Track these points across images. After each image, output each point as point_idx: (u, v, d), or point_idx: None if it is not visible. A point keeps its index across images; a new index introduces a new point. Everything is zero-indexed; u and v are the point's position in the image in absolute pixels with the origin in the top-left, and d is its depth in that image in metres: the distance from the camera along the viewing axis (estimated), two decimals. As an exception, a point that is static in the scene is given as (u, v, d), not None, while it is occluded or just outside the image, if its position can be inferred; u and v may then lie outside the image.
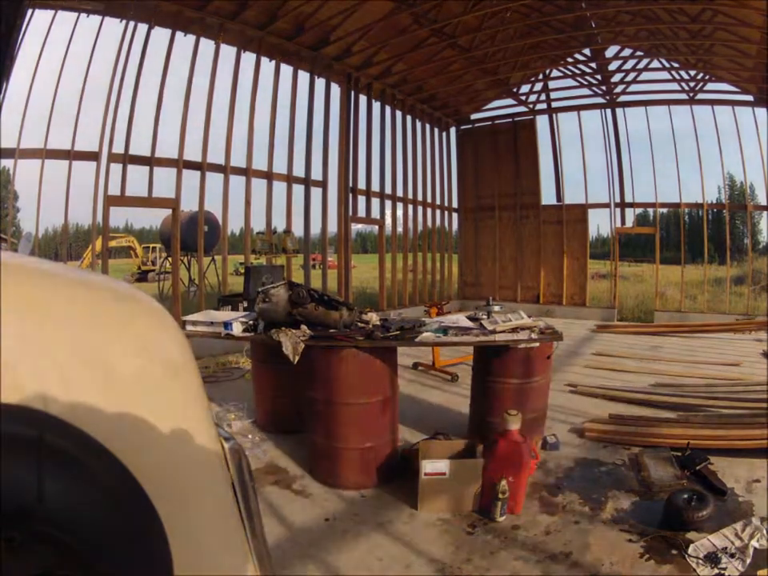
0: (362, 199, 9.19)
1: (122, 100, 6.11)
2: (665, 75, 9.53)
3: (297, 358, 2.88)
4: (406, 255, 10.30)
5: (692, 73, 9.36)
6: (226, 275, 7.48)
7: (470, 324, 3.33)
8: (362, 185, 9.17)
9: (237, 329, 3.26)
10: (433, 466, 2.70)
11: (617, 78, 9.89)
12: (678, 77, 9.49)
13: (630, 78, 9.78)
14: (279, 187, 7.79)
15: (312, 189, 8.27)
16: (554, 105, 10.86)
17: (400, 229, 10.36)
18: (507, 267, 11.36)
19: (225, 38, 6.96)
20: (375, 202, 9.45)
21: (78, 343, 0.44)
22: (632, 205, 10.42)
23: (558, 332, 3.42)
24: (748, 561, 2.18)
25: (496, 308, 3.78)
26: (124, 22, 6.10)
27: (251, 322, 3.30)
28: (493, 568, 2.24)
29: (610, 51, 9.21)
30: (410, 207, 10.42)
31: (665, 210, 11.64)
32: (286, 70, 7.87)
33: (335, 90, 8.72)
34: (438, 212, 11.30)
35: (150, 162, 6.38)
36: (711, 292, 10.60)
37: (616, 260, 10.62)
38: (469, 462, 2.75)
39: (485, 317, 3.50)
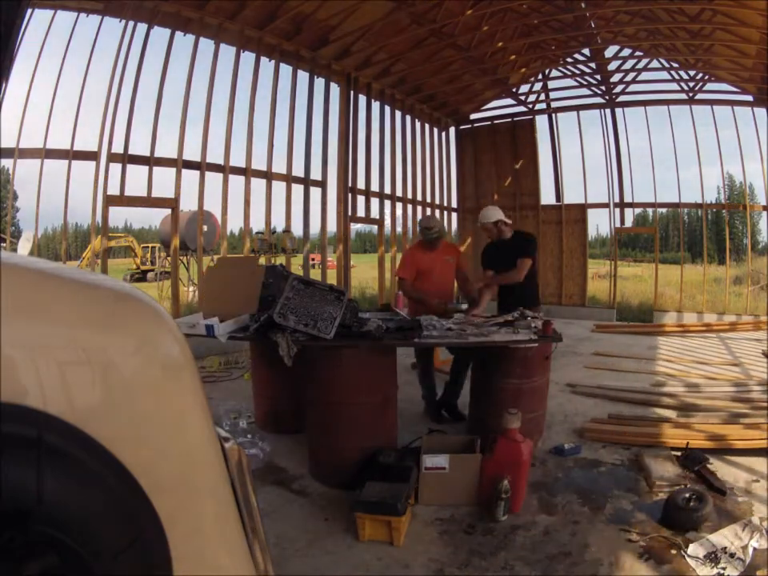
0: (361, 199, 9.17)
1: (121, 100, 6.11)
2: (664, 75, 9.53)
3: (290, 362, 2.83)
4: (405, 255, 10.27)
5: (691, 73, 9.35)
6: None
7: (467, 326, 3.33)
8: (361, 184, 9.15)
9: (220, 331, 3.06)
10: (433, 461, 2.73)
11: (616, 77, 9.89)
12: (677, 77, 9.49)
13: (629, 77, 9.77)
14: (278, 187, 7.79)
15: (311, 188, 8.25)
16: (554, 105, 10.85)
17: (399, 228, 10.36)
18: (506, 267, 11.32)
19: (224, 37, 6.95)
20: (375, 201, 9.44)
21: (78, 343, 0.44)
22: (631, 205, 10.41)
23: (557, 332, 3.42)
24: (748, 561, 2.18)
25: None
26: (123, 21, 6.10)
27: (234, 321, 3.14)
28: (492, 568, 2.24)
29: (610, 51, 9.21)
30: (410, 207, 10.41)
31: (664, 210, 11.65)
32: (286, 69, 7.87)
33: (334, 89, 8.72)
34: (437, 212, 11.29)
35: (150, 161, 6.37)
36: (711, 292, 10.60)
37: (615, 260, 10.62)
38: (468, 456, 2.79)
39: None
